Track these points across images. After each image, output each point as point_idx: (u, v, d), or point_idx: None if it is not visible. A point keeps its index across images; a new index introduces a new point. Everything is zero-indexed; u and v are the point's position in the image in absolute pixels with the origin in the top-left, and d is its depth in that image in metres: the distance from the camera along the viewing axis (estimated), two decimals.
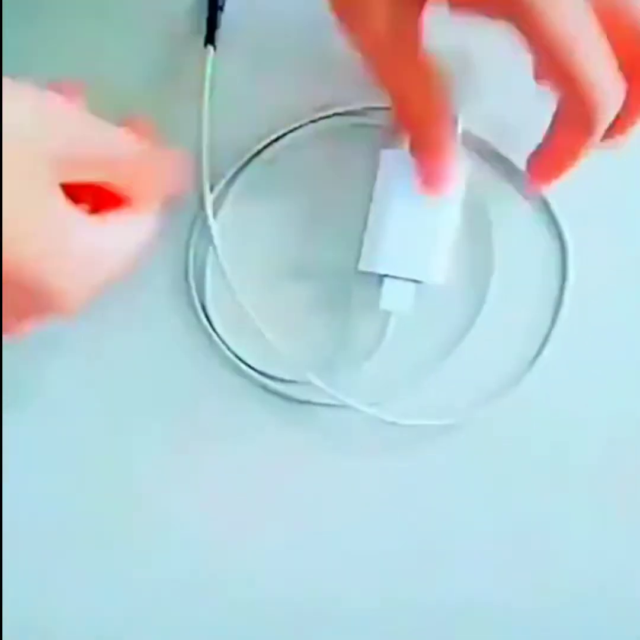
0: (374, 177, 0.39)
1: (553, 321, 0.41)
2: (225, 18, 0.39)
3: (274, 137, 0.39)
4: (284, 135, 0.39)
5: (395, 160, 0.38)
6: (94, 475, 0.40)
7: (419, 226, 0.37)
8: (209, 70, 0.38)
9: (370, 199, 0.39)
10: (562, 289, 0.41)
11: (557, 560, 0.42)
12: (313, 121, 0.39)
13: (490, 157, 0.40)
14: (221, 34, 0.39)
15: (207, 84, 0.38)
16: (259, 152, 0.39)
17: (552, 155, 0.37)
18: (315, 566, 0.41)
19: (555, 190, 0.39)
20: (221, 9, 0.38)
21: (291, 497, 0.41)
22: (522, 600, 0.42)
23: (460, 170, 0.38)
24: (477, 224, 0.40)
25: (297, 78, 0.39)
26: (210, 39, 0.38)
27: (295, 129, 0.39)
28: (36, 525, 0.40)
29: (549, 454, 0.41)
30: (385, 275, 0.38)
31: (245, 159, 0.39)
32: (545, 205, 0.41)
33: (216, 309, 0.40)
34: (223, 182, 0.39)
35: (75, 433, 0.40)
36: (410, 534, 0.41)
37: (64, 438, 0.40)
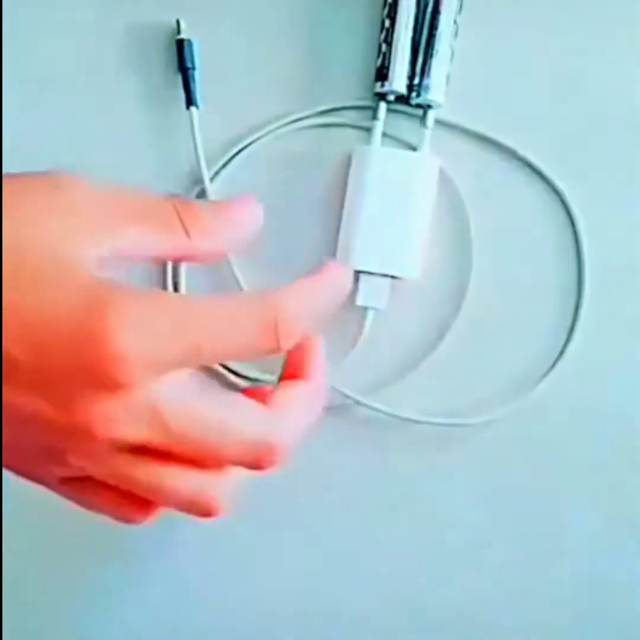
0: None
1: (575, 315, 0.41)
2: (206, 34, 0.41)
3: (252, 138, 0.41)
4: (263, 136, 0.41)
5: (368, 157, 0.40)
6: None
7: (392, 222, 0.39)
8: (197, 130, 0.40)
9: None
10: (580, 282, 0.41)
11: (568, 565, 0.41)
12: (293, 122, 0.41)
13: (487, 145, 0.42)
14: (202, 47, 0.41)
15: (199, 142, 0.40)
16: (238, 152, 0.41)
17: None
18: (319, 566, 0.40)
19: (568, 178, 0.40)
20: (193, 68, 0.40)
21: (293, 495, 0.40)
22: (539, 609, 0.41)
23: (433, 166, 0.39)
24: (487, 217, 0.41)
25: (279, 78, 0.41)
26: (191, 101, 0.40)
27: (273, 130, 0.41)
28: None
29: (559, 457, 0.41)
30: (361, 272, 0.39)
31: (223, 160, 0.41)
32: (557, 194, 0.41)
33: None
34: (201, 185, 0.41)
35: None
36: (413, 534, 0.41)
37: None
